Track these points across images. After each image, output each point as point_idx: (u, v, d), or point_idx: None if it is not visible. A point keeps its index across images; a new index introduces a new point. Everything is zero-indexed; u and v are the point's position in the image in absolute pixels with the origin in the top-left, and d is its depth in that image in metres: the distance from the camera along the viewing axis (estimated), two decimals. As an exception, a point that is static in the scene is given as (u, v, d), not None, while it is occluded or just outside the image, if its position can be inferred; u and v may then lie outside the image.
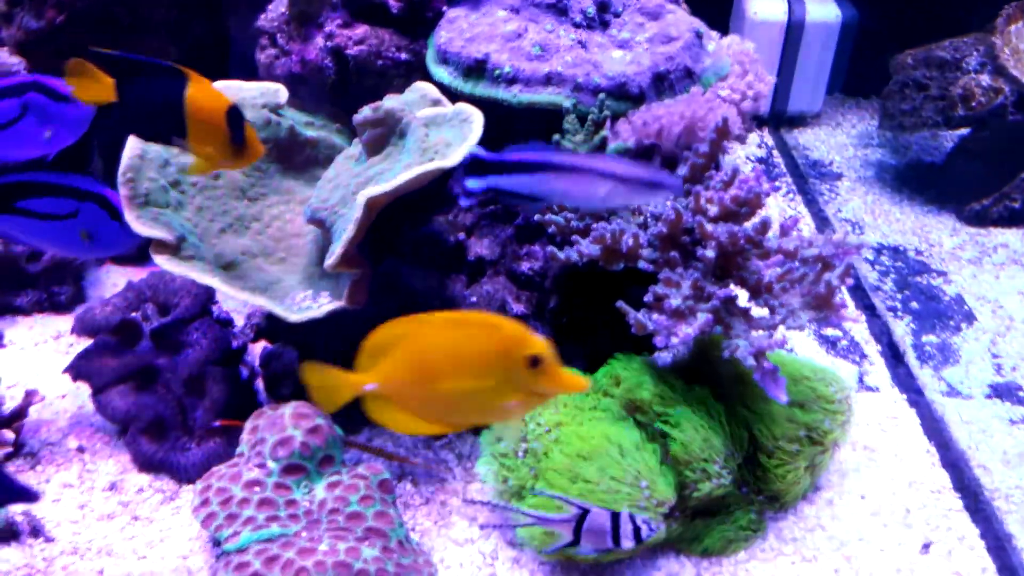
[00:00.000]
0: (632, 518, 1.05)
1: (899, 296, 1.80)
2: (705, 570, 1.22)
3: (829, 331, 1.69)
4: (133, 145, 1.26)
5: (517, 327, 0.82)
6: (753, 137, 2.49)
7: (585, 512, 1.06)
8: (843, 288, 1.81)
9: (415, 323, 0.87)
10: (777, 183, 2.25)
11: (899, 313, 1.75)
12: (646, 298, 1.17)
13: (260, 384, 1.49)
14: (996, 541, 1.25)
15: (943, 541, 1.26)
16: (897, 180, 2.27)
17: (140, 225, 1.21)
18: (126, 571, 1.20)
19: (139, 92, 1.13)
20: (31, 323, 1.64)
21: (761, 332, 1.14)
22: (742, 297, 1.20)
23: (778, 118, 2.56)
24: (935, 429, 1.45)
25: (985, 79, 1.99)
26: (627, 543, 1.04)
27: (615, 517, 1.04)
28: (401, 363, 0.87)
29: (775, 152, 2.42)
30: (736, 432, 1.23)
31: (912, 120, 2.09)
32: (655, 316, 1.14)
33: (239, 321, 1.54)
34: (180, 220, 1.25)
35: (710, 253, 1.15)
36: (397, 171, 1.18)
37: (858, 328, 1.71)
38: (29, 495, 1.09)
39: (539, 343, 0.82)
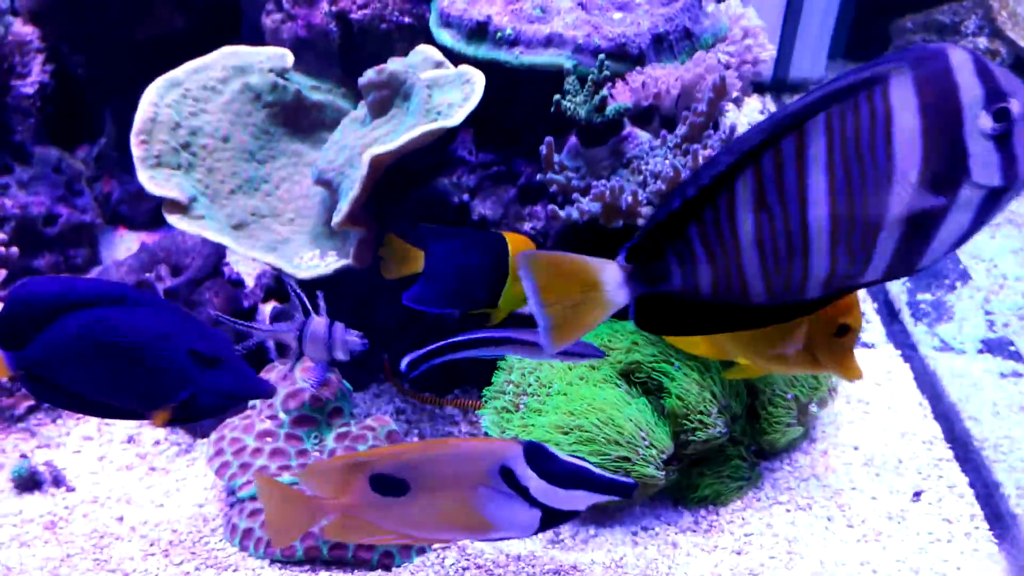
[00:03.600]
0: (344, 330, 1.11)
1: (895, 256, 1.83)
2: (702, 519, 1.26)
3: (827, 291, 1.73)
4: (145, 107, 1.29)
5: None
6: (755, 104, 2.51)
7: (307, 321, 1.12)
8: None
9: None
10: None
11: (895, 273, 1.78)
12: (644, 254, 1.20)
13: (271, 343, 1.53)
14: (984, 489, 1.29)
15: (934, 489, 1.30)
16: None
17: (153, 185, 1.24)
18: (144, 518, 1.25)
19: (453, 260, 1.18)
20: (47, 286, 1.69)
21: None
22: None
23: (780, 84, 2.57)
24: (928, 383, 1.48)
25: (983, 42, 2.00)
26: (340, 355, 1.11)
27: (330, 326, 1.11)
28: None
29: (777, 118, 2.44)
30: (732, 384, 1.26)
31: (912, 84, 2.10)
32: (653, 271, 1.18)
33: (249, 282, 1.58)
34: (191, 181, 1.28)
35: (707, 209, 1.18)
36: (401, 132, 1.21)
37: (855, 288, 1.74)
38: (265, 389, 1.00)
39: (857, 316, 0.84)
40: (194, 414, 0.91)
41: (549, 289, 0.80)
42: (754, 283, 0.78)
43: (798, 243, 0.75)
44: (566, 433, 1.18)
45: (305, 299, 1.13)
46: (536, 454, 0.87)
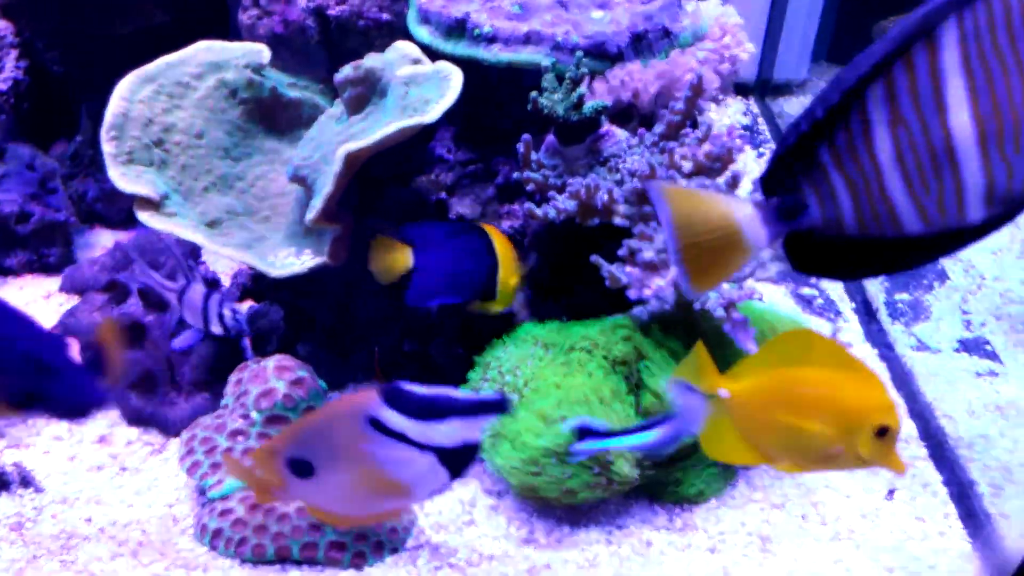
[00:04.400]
0: (221, 303, 1.17)
1: (874, 256, 1.84)
2: (677, 516, 1.26)
3: (806, 290, 1.73)
4: (116, 103, 1.28)
5: (882, 390, 0.81)
6: (739, 105, 2.51)
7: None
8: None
9: (788, 351, 0.85)
10: (762, 149, 2.28)
11: (874, 273, 1.79)
12: (620, 252, 1.20)
13: (247, 342, 1.52)
14: (958, 487, 1.29)
15: (908, 488, 1.30)
16: (877, 145, 2.30)
17: (124, 182, 1.23)
18: (113, 519, 1.24)
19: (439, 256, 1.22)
20: (21, 284, 1.67)
21: (731, 284, 1.17)
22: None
23: (764, 86, 2.57)
24: (904, 382, 1.49)
25: (963, 44, 2.01)
26: (213, 327, 1.16)
27: (207, 296, 1.17)
28: (763, 383, 0.84)
29: (760, 120, 2.44)
30: (708, 383, 1.26)
31: (892, 85, 2.11)
32: (628, 269, 1.18)
33: (225, 281, 1.57)
34: (164, 178, 1.27)
35: (682, 207, 1.18)
36: (377, 128, 1.21)
37: (833, 287, 1.75)
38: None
39: (895, 415, 0.81)
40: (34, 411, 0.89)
41: (685, 226, 0.74)
42: (903, 208, 0.72)
43: (943, 156, 0.69)
44: (543, 434, 1.18)
45: (187, 264, 1.20)
46: (394, 396, 0.81)
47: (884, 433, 0.81)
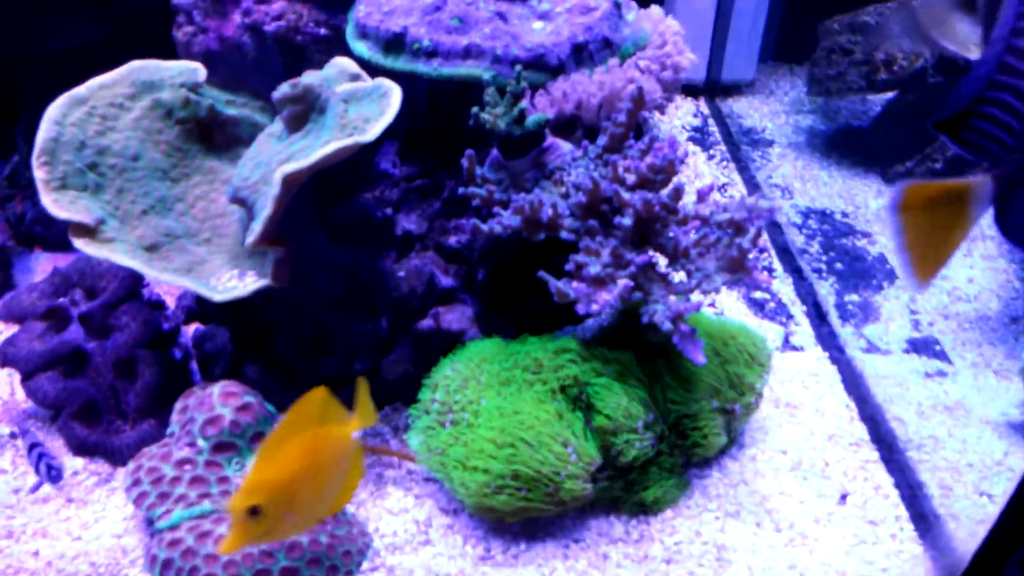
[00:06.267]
0: (39, 457, 1.23)
1: (824, 258, 1.85)
2: (633, 528, 1.26)
3: (758, 295, 1.74)
4: (47, 127, 1.25)
5: (259, 471, 0.84)
6: (689, 106, 2.52)
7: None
8: (771, 251, 1.87)
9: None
10: (712, 151, 2.28)
11: (824, 274, 1.80)
12: (567, 267, 1.19)
13: (195, 365, 1.49)
14: (909, 490, 1.31)
15: (860, 492, 1.31)
16: (826, 145, 2.32)
17: (57, 208, 1.20)
18: (60, 552, 1.21)
19: None
20: (-42, 311, 1.62)
21: (678, 296, 1.17)
22: (662, 263, 1.23)
23: (713, 87, 2.59)
24: (854, 384, 1.50)
25: (907, 43, 2.03)
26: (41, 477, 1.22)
27: (30, 449, 1.24)
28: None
29: (710, 121, 2.45)
30: (660, 395, 1.26)
31: (838, 85, 2.13)
32: (575, 284, 1.17)
33: (171, 303, 1.54)
34: (99, 203, 1.24)
35: (627, 221, 1.17)
36: (317, 147, 1.19)
37: (785, 290, 1.75)
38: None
39: (250, 497, 0.83)
40: None
41: (913, 210, 0.75)
42: None
43: None
44: (493, 453, 1.17)
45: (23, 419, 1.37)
46: None
47: (256, 512, 0.83)
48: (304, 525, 0.92)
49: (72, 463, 1.36)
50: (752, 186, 2.13)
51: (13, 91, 1.76)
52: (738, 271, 1.17)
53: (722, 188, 2.10)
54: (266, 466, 0.85)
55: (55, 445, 1.38)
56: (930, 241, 0.76)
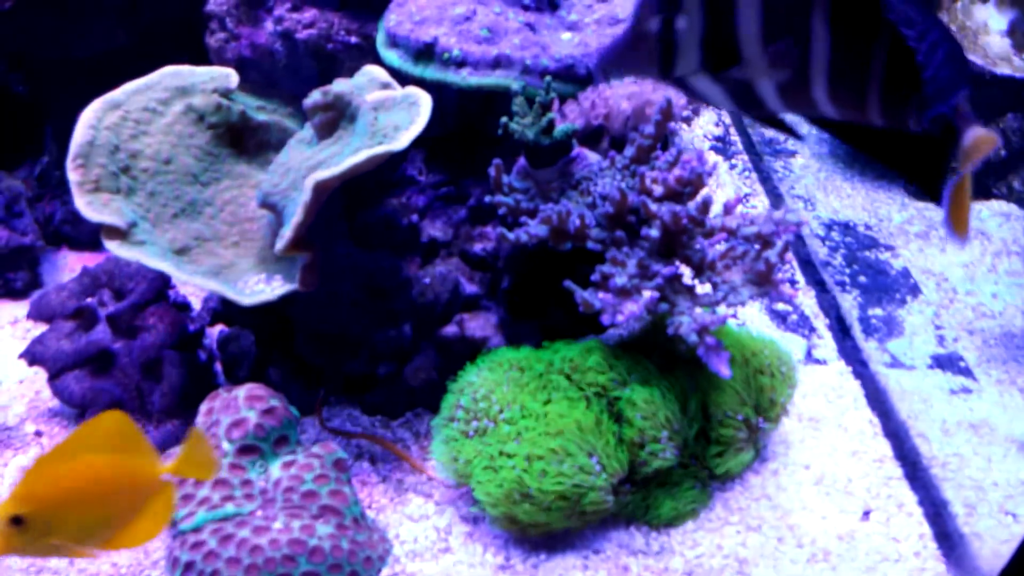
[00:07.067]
0: None
1: (848, 271, 1.85)
2: (654, 540, 1.26)
3: (780, 306, 1.73)
4: (82, 130, 1.26)
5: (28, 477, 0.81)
6: (711, 115, 2.52)
7: None
8: (794, 263, 1.86)
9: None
10: (734, 160, 2.28)
11: (847, 287, 1.79)
12: (593, 277, 1.20)
13: (219, 367, 1.50)
14: (933, 508, 1.30)
15: (883, 508, 1.30)
16: (849, 156, 2.31)
17: (91, 211, 1.21)
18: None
19: None
20: (-13, 309, 1.64)
21: (704, 308, 1.17)
22: (688, 275, 1.23)
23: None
24: (878, 400, 1.49)
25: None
26: None
27: None
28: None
29: (732, 130, 2.45)
30: (686, 406, 1.26)
31: (863, 98, 2.12)
32: (601, 295, 1.17)
33: (196, 305, 1.55)
34: (131, 206, 1.25)
35: (654, 232, 1.17)
36: (347, 155, 1.19)
37: (808, 302, 1.75)
38: None
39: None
40: None
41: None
42: None
43: None
44: (517, 463, 1.17)
45: None
46: None
47: (19, 522, 0.80)
48: (76, 552, 0.86)
49: (97, 462, 1.37)
50: (774, 197, 2.13)
51: (43, 94, 1.78)
52: (764, 284, 1.17)
53: (744, 198, 2.10)
54: (39, 478, 0.81)
55: (81, 444, 1.39)
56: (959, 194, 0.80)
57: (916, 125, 0.78)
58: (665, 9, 0.80)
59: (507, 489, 1.17)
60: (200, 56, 1.60)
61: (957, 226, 0.81)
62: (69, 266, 1.76)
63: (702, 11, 0.79)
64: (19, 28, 1.63)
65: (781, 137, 2.42)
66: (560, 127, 1.26)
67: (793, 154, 2.33)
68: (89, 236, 1.76)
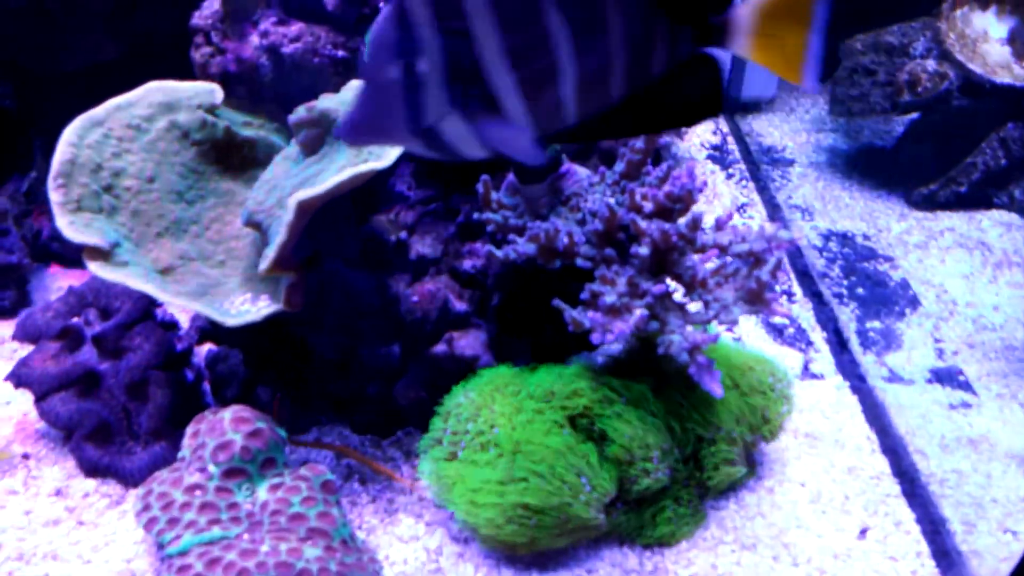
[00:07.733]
0: None
1: (846, 282, 1.82)
2: (648, 559, 1.24)
3: (777, 319, 1.71)
4: (63, 149, 1.24)
5: None
6: (708, 124, 2.50)
7: None
8: (791, 274, 1.84)
9: None
10: (731, 170, 2.26)
11: (845, 299, 1.77)
12: (582, 296, 1.18)
13: (207, 386, 1.49)
14: (931, 525, 1.28)
15: (880, 526, 1.28)
16: (848, 165, 2.29)
17: (72, 231, 1.20)
18: (70, 575, 1.21)
19: None
20: (-26, 329, 1.63)
21: (695, 327, 1.15)
22: (679, 293, 1.21)
23: (733, 105, 2.57)
24: (876, 415, 1.47)
25: (931, 64, 2.01)
26: None
27: None
28: None
29: (729, 139, 2.43)
30: (676, 426, 1.24)
31: (860, 106, 2.11)
32: (591, 313, 1.15)
33: (185, 323, 1.53)
34: (114, 225, 1.24)
35: (644, 250, 1.16)
36: (332, 172, 1.18)
37: (805, 315, 1.73)
38: None
39: None
40: None
41: None
42: None
43: None
44: (504, 484, 1.15)
45: None
46: None
47: None
48: None
49: (83, 485, 1.35)
50: (772, 206, 2.11)
51: (32, 108, 1.77)
52: (756, 303, 1.15)
53: (741, 208, 2.08)
54: None
55: (67, 466, 1.38)
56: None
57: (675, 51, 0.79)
58: (403, 53, 0.75)
59: (492, 512, 1.15)
60: (190, 70, 1.58)
61: (789, 75, 0.84)
62: (58, 284, 1.74)
63: (442, 46, 0.74)
64: (6, 41, 1.62)
65: (779, 145, 2.40)
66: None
67: (791, 163, 2.31)
68: (77, 253, 1.74)
